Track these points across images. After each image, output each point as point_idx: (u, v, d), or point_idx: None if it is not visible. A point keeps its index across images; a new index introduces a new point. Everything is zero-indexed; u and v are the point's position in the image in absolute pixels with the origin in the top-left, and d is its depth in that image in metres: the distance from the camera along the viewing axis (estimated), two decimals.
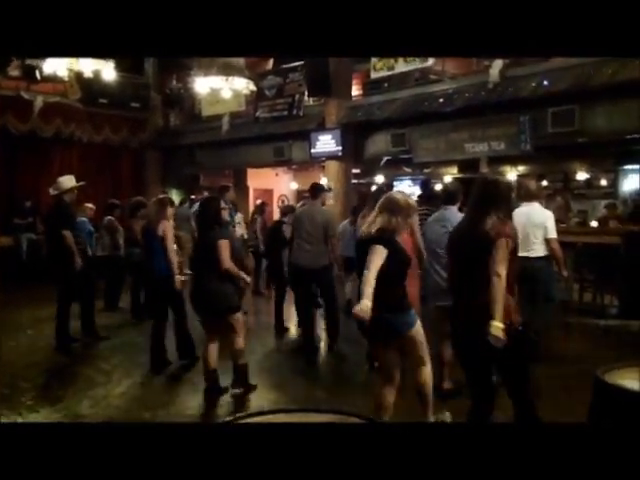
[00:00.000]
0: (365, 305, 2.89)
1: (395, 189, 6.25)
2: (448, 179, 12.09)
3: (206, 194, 7.58)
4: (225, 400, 4.49)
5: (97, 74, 7.59)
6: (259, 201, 11.31)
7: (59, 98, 11.42)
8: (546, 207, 5.40)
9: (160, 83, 13.97)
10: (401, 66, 9.76)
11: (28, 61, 10.10)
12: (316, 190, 5.96)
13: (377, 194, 4.24)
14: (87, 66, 7.24)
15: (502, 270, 2.73)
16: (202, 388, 4.55)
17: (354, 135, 10.45)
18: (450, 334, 3.23)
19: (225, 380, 4.59)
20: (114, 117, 12.88)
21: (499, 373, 3.00)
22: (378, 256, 3.06)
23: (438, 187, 8.78)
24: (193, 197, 9.31)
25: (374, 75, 10.35)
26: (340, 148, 10.26)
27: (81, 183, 6.39)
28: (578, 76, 7.24)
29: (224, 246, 4.35)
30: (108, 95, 12.09)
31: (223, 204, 4.85)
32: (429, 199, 5.67)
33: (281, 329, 6.86)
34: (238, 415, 1.88)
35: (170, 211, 5.42)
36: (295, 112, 11.19)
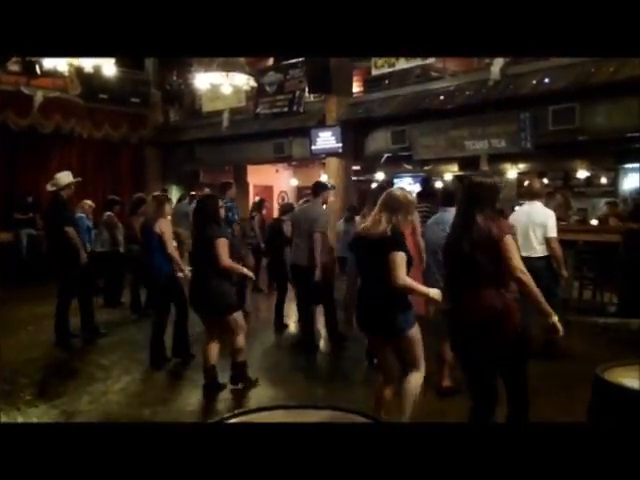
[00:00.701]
0: (436, 291, 3.13)
1: (395, 186, 6.21)
2: (448, 177, 12.09)
3: (207, 190, 7.55)
4: (224, 396, 4.49)
5: (97, 69, 7.58)
6: (257, 198, 11.30)
7: (59, 93, 11.38)
8: (546, 205, 5.39)
9: (160, 79, 13.92)
10: (402, 63, 9.75)
11: None
12: (318, 188, 5.85)
13: (377, 192, 4.16)
14: (87, 61, 7.21)
15: (522, 265, 2.73)
16: (201, 384, 4.55)
17: (354, 132, 10.42)
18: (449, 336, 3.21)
19: (225, 377, 4.59)
20: (114, 113, 12.84)
21: (499, 373, 2.99)
22: (403, 263, 3.08)
23: (438, 185, 8.77)
24: (193, 193, 9.28)
25: (375, 72, 10.34)
26: (340, 145, 10.23)
27: (78, 179, 6.36)
28: (579, 74, 7.23)
29: (222, 244, 4.32)
30: (108, 91, 12.06)
31: (221, 202, 4.80)
32: (429, 197, 5.66)
33: (281, 326, 6.88)
34: (237, 411, 1.87)
35: (168, 208, 5.41)
36: (295, 109, 11.16)
